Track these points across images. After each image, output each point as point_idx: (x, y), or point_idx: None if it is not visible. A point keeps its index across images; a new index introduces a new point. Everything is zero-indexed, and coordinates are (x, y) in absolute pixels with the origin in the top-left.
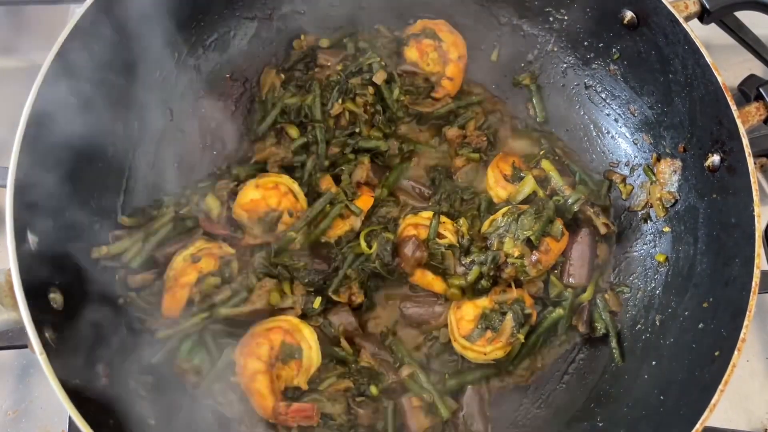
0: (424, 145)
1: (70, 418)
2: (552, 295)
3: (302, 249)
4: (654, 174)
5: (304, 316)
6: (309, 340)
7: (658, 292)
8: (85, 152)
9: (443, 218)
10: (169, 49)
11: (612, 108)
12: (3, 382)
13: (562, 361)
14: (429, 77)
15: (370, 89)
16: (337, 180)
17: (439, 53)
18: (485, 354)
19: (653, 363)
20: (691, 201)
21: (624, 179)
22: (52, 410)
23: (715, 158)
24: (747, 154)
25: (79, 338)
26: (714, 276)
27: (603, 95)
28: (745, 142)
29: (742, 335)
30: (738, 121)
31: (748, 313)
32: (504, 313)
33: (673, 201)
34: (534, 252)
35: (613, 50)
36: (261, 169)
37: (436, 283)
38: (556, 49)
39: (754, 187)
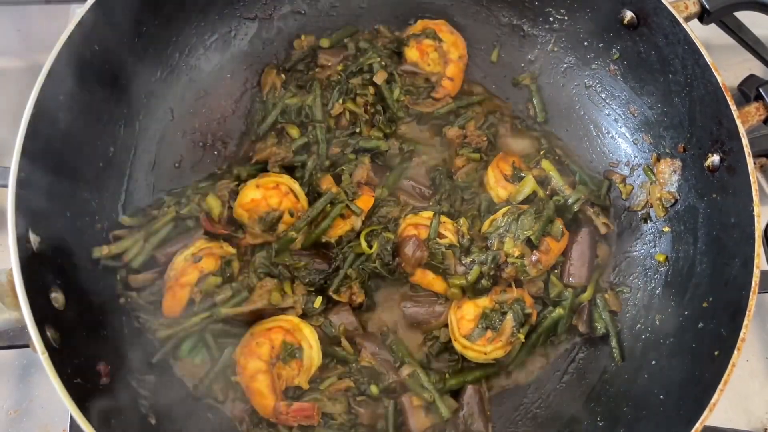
0: (425, 145)
1: (71, 417)
2: (552, 295)
3: (303, 249)
4: (654, 174)
5: (304, 316)
6: (309, 339)
7: (658, 292)
8: (85, 152)
9: (443, 218)
10: (170, 49)
11: (612, 108)
12: (4, 382)
13: (562, 361)
14: (429, 77)
15: (371, 89)
16: (337, 180)
17: (440, 53)
18: (485, 354)
19: (653, 363)
20: (691, 201)
21: (624, 179)
22: (53, 409)
23: (714, 158)
24: (747, 154)
25: (80, 338)
26: (714, 276)
27: (603, 95)
28: (745, 142)
29: (741, 335)
30: (738, 121)
31: (747, 312)
32: (504, 313)
33: (673, 201)
34: (534, 252)
35: (613, 50)
36: (262, 169)
37: (437, 283)
38: (556, 49)
39: (754, 187)
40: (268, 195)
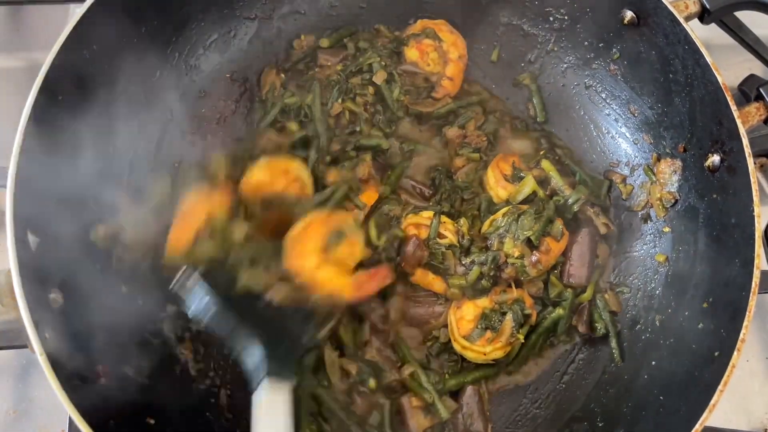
0: (424, 144)
1: (69, 418)
2: (552, 295)
3: None
4: (654, 174)
5: None
6: (348, 221)
7: (658, 292)
8: (85, 152)
9: (444, 218)
10: (169, 49)
11: (612, 108)
12: (3, 382)
13: (562, 361)
14: (429, 77)
15: (370, 89)
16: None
17: (439, 53)
18: (485, 354)
19: (653, 363)
20: (691, 201)
21: (624, 179)
22: (51, 410)
23: (715, 158)
24: (747, 154)
25: (78, 338)
26: (714, 276)
27: (603, 95)
28: (745, 142)
29: (741, 335)
30: (738, 121)
31: (747, 313)
32: (504, 313)
33: (673, 201)
34: (534, 252)
35: (614, 50)
36: None
37: (436, 283)
38: (556, 49)
39: (754, 187)
40: (275, 179)
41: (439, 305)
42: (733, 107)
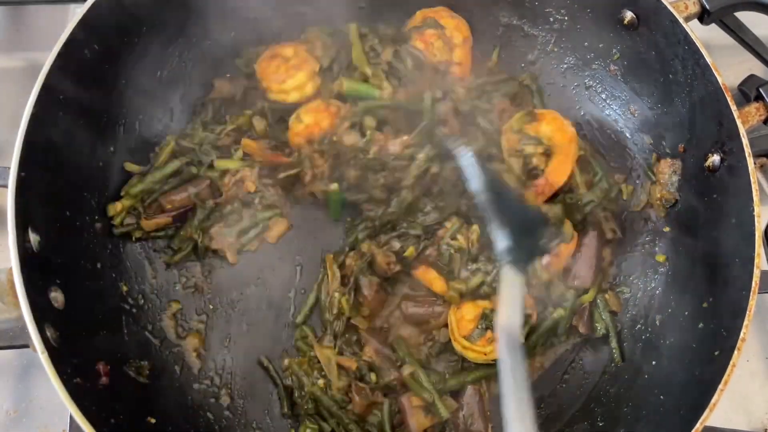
0: None
1: (71, 417)
2: (554, 295)
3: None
4: (654, 174)
5: None
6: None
7: (658, 292)
8: (85, 152)
9: (456, 220)
10: (170, 49)
11: (612, 108)
12: (3, 382)
13: (562, 361)
14: (438, 67)
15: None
16: None
17: (444, 40)
18: (485, 354)
19: (653, 363)
20: (691, 201)
21: (624, 179)
22: (53, 410)
23: (715, 158)
24: (747, 155)
25: (80, 337)
26: (714, 276)
27: (603, 95)
28: (745, 142)
29: (742, 335)
30: (738, 122)
31: (748, 313)
32: None
33: (673, 201)
34: (546, 255)
35: (613, 50)
36: None
37: (437, 283)
38: (556, 50)
39: (754, 187)
40: (319, 118)
41: (439, 305)
42: (733, 107)
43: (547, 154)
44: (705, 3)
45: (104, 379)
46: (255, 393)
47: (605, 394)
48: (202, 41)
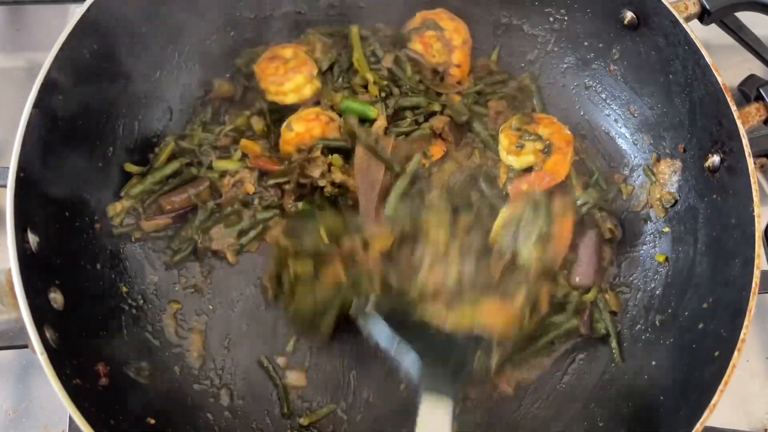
0: None
1: (70, 417)
2: (559, 295)
3: None
4: (654, 174)
5: None
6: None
7: (658, 292)
8: (84, 152)
9: None
10: (169, 49)
11: (612, 108)
12: (3, 382)
13: (562, 361)
14: (437, 68)
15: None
16: None
17: (443, 42)
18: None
19: (653, 363)
20: (691, 201)
21: (624, 179)
22: (52, 410)
23: (715, 159)
24: (747, 155)
25: (79, 338)
26: (714, 276)
27: (603, 96)
28: (745, 142)
29: (742, 335)
30: (738, 122)
31: (748, 313)
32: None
33: (673, 201)
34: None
35: (614, 50)
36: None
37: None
38: (556, 50)
39: (754, 187)
40: (310, 126)
41: None
42: (733, 107)
43: (546, 153)
44: (705, 3)
45: (104, 380)
46: (255, 393)
47: (605, 394)
48: (202, 41)
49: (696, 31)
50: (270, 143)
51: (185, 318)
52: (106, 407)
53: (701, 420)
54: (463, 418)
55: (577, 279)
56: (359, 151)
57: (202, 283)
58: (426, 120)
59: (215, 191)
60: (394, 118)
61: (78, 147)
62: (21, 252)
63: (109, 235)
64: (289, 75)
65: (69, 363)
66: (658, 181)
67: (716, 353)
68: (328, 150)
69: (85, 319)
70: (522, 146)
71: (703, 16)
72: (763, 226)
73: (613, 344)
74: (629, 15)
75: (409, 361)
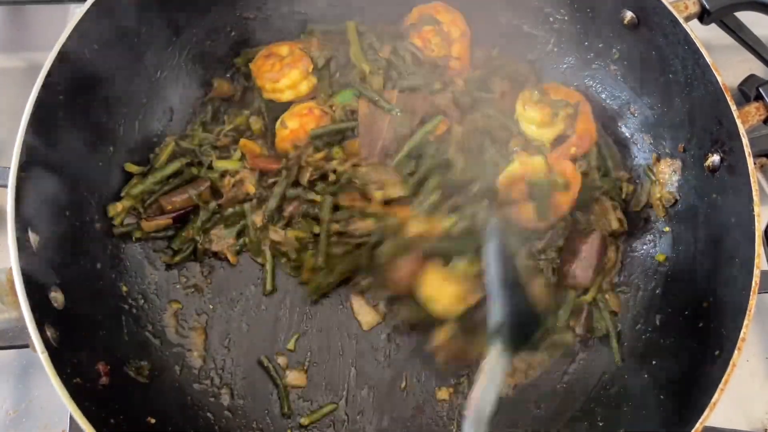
0: None
1: (71, 417)
2: (557, 295)
3: None
4: (654, 174)
5: None
6: None
7: (658, 292)
8: (85, 152)
9: None
10: (169, 49)
11: (612, 108)
12: (3, 382)
13: (562, 361)
14: (436, 62)
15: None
16: None
17: (441, 36)
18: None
19: (653, 363)
20: (691, 201)
21: (627, 178)
22: (52, 409)
23: (715, 158)
24: (747, 154)
25: (79, 337)
26: (714, 276)
27: (603, 95)
28: (745, 142)
29: (742, 335)
30: (738, 121)
31: (748, 312)
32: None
33: (673, 201)
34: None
35: (613, 50)
36: None
37: None
38: (556, 50)
39: (754, 187)
40: (304, 122)
41: None
42: (733, 107)
43: (573, 117)
44: (705, 3)
45: (104, 379)
46: (255, 393)
47: (605, 394)
48: (201, 41)
49: (696, 30)
50: (267, 142)
51: (185, 317)
52: (106, 406)
53: (701, 419)
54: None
55: (574, 279)
56: (363, 103)
57: (202, 283)
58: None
59: (216, 191)
60: None
61: (78, 147)
62: (22, 251)
63: (109, 235)
64: (284, 71)
65: (69, 362)
66: (658, 181)
67: (716, 352)
68: (324, 144)
69: (86, 319)
70: (557, 114)
71: (703, 16)
72: (763, 226)
73: (613, 344)
74: (629, 15)
75: (497, 308)
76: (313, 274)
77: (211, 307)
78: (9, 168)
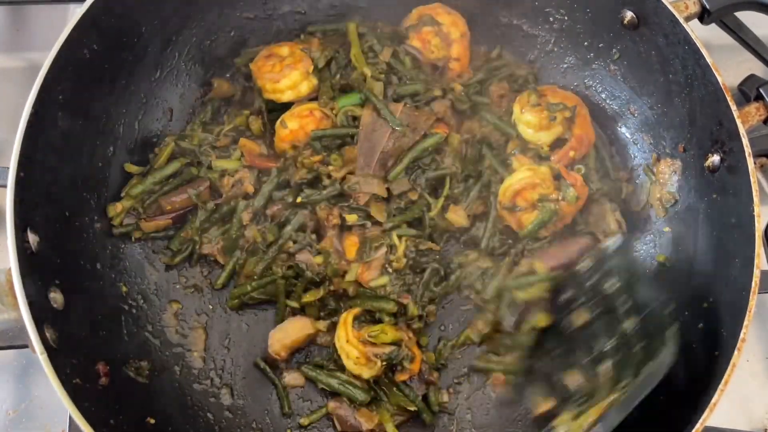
0: None
1: (70, 417)
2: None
3: None
4: (654, 174)
5: None
6: None
7: None
8: (85, 152)
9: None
10: (169, 49)
11: (612, 108)
12: (3, 382)
13: None
14: (436, 63)
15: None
16: None
17: (441, 37)
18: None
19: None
20: (691, 201)
21: (626, 179)
22: (52, 410)
23: (715, 158)
24: (747, 154)
25: (79, 337)
26: (714, 276)
27: (603, 95)
28: (745, 142)
29: (742, 335)
30: (738, 121)
31: (748, 313)
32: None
33: (673, 201)
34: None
35: (614, 50)
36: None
37: None
38: (556, 50)
39: (754, 187)
40: (304, 123)
41: None
42: (733, 107)
43: (571, 120)
44: (705, 3)
45: (104, 380)
46: (255, 393)
47: None
48: (202, 41)
49: (696, 30)
50: (266, 142)
51: (185, 318)
52: (106, 407)
53: (701, 420)
54: (462, 417)
55: (543, 262)
56: (367, 111)
57: (202, 283)
58: (427, 105)
59: (215, 191)
60: None
61: (78, 147)
62: (21, 252)
63: (109, 235)
64: (285, 72)
65: (69, 362)
66: (658, 181)
67: (716, 353)
68: (322, 147)
69: (85, 319)
70: (554, 118)
71: (703, 16)
72: (763, 226)
73: None
74: (629, 15)
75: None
76: (246, 280)
77: (210, 307)
78: (9, 168)
